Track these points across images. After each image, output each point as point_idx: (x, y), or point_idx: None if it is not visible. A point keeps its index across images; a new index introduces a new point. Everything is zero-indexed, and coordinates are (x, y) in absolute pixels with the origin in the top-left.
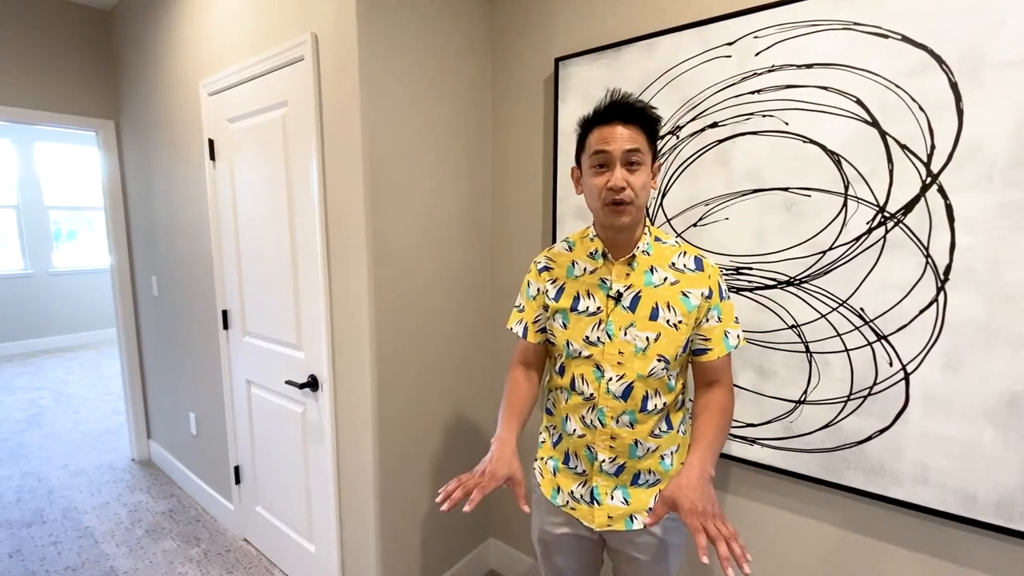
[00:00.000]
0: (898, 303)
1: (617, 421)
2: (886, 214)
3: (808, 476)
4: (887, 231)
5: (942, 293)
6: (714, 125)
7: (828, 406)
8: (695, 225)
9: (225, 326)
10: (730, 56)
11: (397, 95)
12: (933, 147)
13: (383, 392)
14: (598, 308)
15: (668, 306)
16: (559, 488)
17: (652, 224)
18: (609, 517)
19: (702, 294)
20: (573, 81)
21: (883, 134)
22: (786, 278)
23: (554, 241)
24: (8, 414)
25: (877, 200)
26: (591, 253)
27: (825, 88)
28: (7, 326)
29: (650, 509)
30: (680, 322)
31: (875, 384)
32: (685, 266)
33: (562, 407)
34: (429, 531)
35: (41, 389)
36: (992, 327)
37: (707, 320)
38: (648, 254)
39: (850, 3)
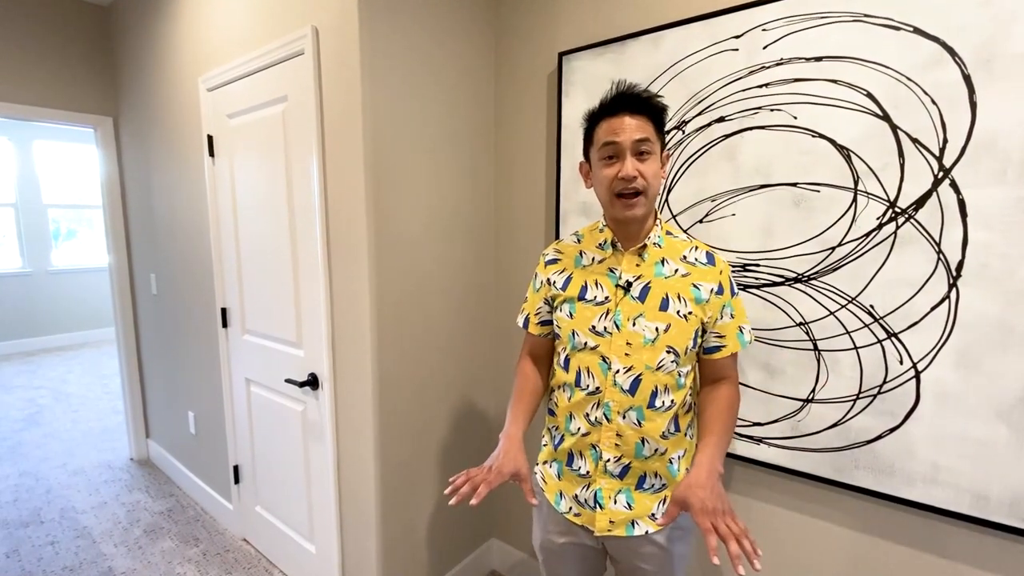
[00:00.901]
0: (909, 300)
1: (624, 417)
2: (897, 209)
3: (816, 476)
4: (898, 227)
5: (954, 290)
6: (721, 120)
7: (837, 405)
8: (701, 221)
9: (224, 324)
10: (737, 49)
11: (399, 90)
12: (946, 141)
13: (384, 390)
14: (606, 297)
15: (679, 297)
16: (562, 493)
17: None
18: (611, 521)
19: (712, 289)
20: (577, 76)
21: (894, 128)
22: (794, 275)
23: (557, 237)
24: (6, 413)
25: (888, 195)
26: (600, 244)
27: (835, 81)
28: (6, 325)
29: (653, 515)
30: (690, 313)
31: (885, 382)
32: (696, 259)
33: (565, 405)
34: (431, 531)
35: (40, 388)
36: (1006, 324)
37: (721, 318)
38: (659, 246)
39: None
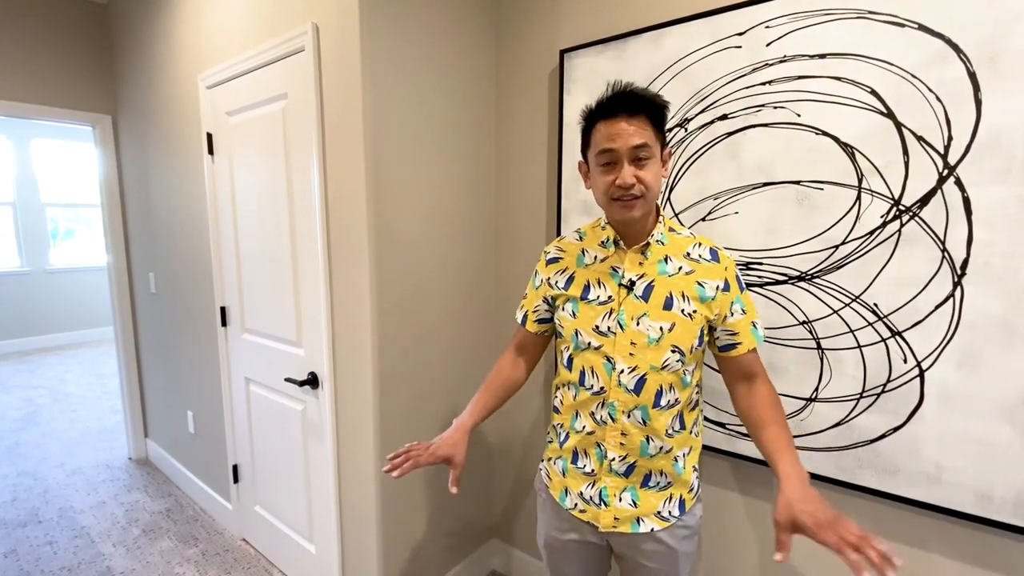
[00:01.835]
0: (913, 298)
1: (628, 416)
2: (901, 207)
3: (820, 475)
4: (902, 225)
5: (959, 288)
6: (724, 117)
7: (840, 404)
8: (704, 219)
9: (224, 323)
10: (740, 47)
11: (399, 86)
12: (950, 139)
13: (385, 389)
14: (609, 297)
15: (683, 295)
16: (567, 490)
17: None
18: (615, 519)
19: (717, 286)
20: (578, 73)
21: (898, 125)
22: (797, 273)
23: (559, 235)
24: (4, 413)
25: (892, 193)
26: (603, 242)
27: (838, 79)
28: (4, 324)
29: (659, 513)
30: (695, 312)
31: (888, 381)
32: (700, 256)
33: (570, 404)
34: (431, 531)
35: (38, 388)
36: (1010, 323)
37: (731, 315)
38: (662, 244)
39: None
